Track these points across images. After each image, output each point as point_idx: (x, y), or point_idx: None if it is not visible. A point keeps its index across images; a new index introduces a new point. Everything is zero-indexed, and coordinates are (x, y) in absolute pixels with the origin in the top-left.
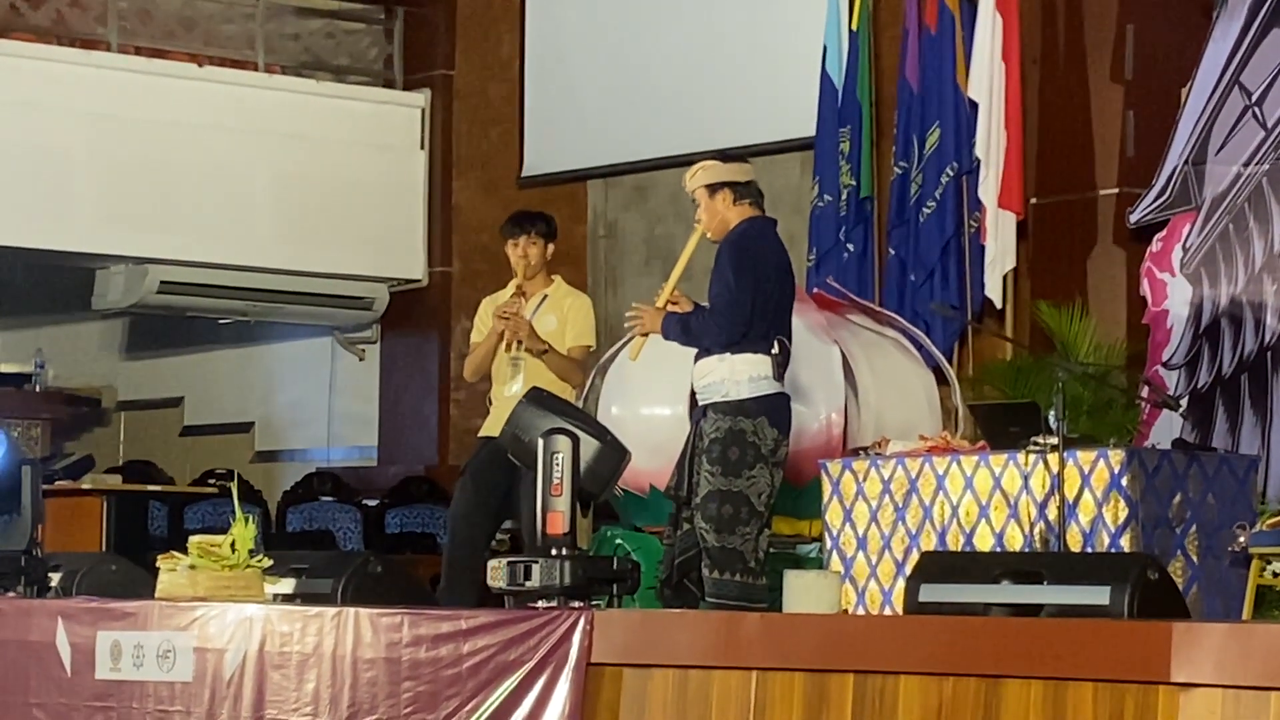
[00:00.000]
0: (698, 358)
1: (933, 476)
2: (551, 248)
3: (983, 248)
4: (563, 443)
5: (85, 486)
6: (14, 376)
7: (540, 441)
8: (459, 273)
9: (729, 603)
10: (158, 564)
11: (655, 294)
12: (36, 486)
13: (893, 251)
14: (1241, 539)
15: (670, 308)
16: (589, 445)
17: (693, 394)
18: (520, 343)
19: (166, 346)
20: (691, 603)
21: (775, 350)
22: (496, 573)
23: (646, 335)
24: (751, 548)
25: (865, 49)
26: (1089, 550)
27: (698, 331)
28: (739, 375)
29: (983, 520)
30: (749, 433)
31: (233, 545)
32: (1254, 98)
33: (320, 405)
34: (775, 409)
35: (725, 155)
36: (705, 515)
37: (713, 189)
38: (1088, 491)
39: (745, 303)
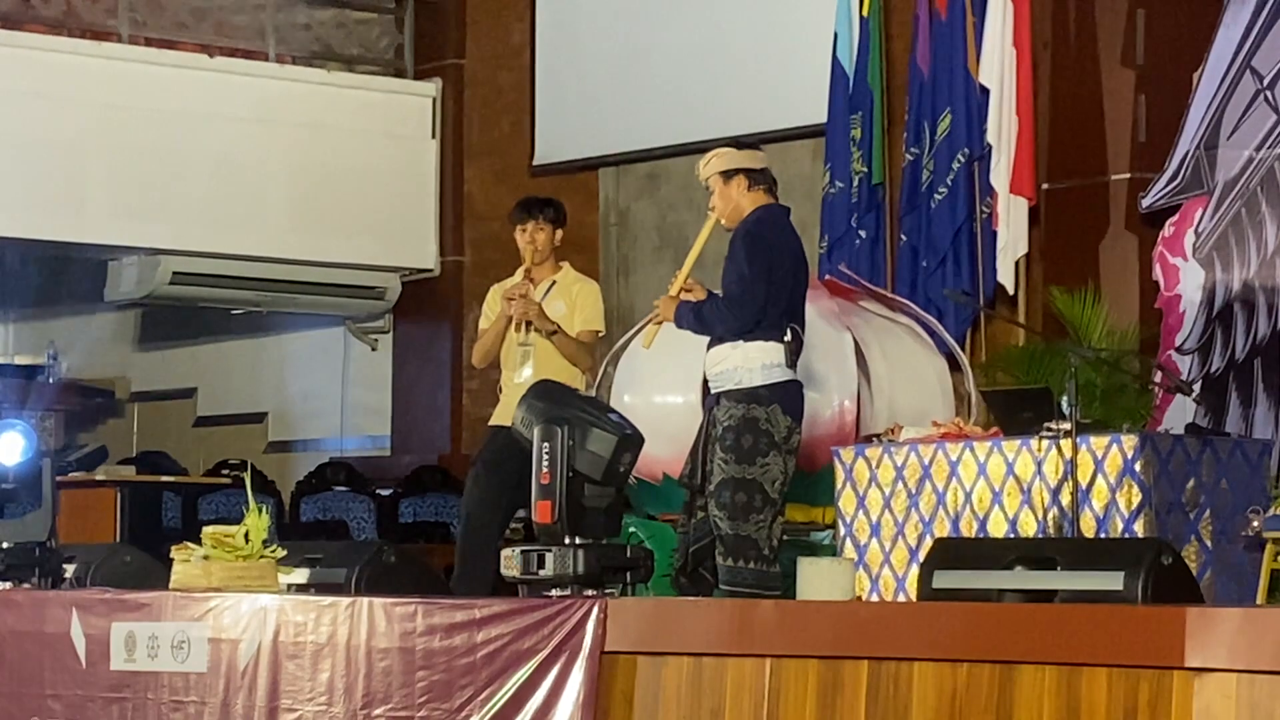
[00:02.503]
0: (710, 345)
1: (946, 463)
2: (560, 233)
3: (995, 234)
4: (550, 432)
5: (99, 478)
6: (27, 368)
7: (534, 432)
8: (471, 262)
9: (743, 590)
10: (172, 555)
11: (669, 282)
12: (51, 479)
13: (905, 238)
14: (1255, 523)
15: (684, 295)
16: (586, 432)
17: (705, 382)
18: (529, 324)
19: (179, 337)
20: (706, 591)
21: (788, 338)
22: (510, 562)
23: (660, 323)
24: (765, 535)
25: (876, 36)
26: (1103, 536)
27: (711, 319)
28: (752, 363)
29: (996, 506)
30: (762, 420)
31: (246, 536)
32: (1266, 81)
33: (333, 395)
34: (788, 396)
35: (739, 143)
36: (719, 503)
37: (727, 176)
38: (1101, 477)
39: (759, 291)
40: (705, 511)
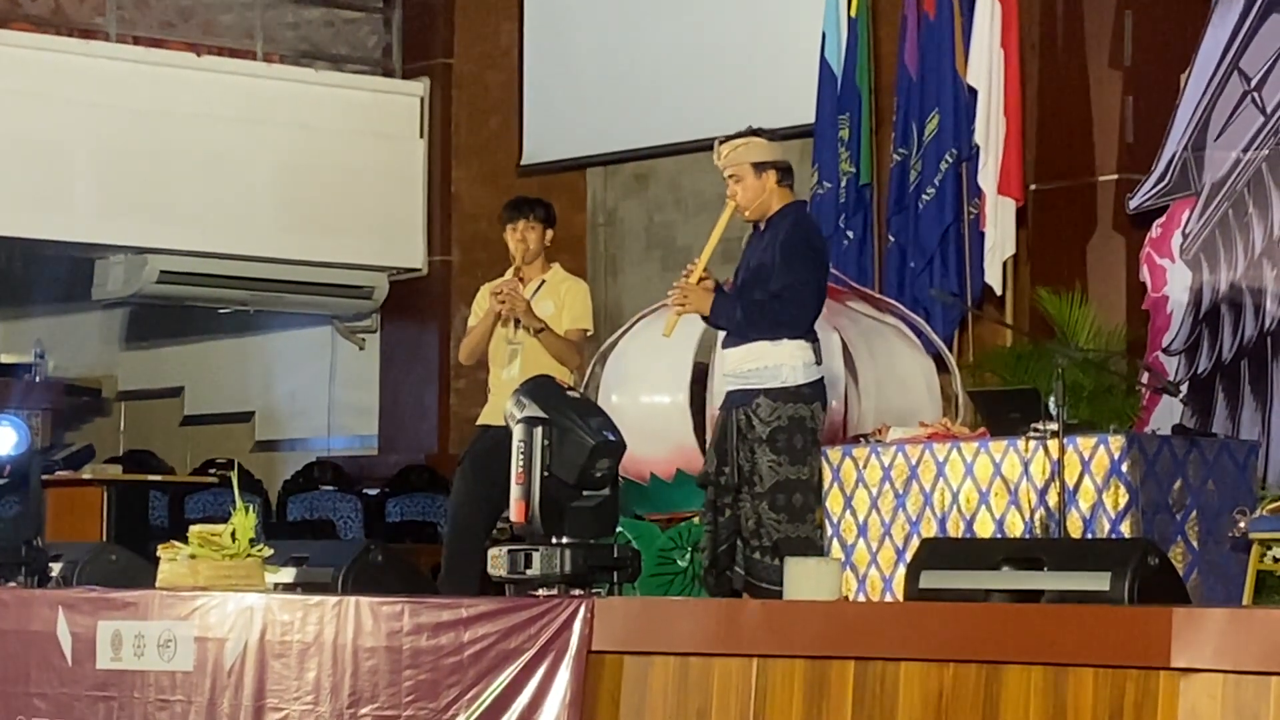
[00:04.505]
0: (735, 342)
1: (933, 463)
2: (550, 233)
3: (982, 234)
4: (528, 432)
5: (85, 476)
6: (14, 367)
7: (515, 429)
8: (459, 261)
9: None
10: (158, 553)
11: (688, 269)
12: (38, 477)
13: (892, 239)
14: (1242, 524)
15: (700, 284)
16: (564, 435)
17: (700, 376)
18: (518, 322)
19: (166, 336)
20: (731, 592)
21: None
22: (497, 561)
23: (681, 313)
24: (818, 534)
25: (864, 36)
26: (1089, 536)
27: (760, 319)
28: (795, 360)
29: (983, 507)
30: (808, 419)
31: (233, 534)
32: (1253, 83)
33: (320, 394)
34: (824, 393)
35: (766, 132)
36: (774, 505)
37: (760, 168)
38: (1088, 478)
39: (814, 298)
40: (733, 510)
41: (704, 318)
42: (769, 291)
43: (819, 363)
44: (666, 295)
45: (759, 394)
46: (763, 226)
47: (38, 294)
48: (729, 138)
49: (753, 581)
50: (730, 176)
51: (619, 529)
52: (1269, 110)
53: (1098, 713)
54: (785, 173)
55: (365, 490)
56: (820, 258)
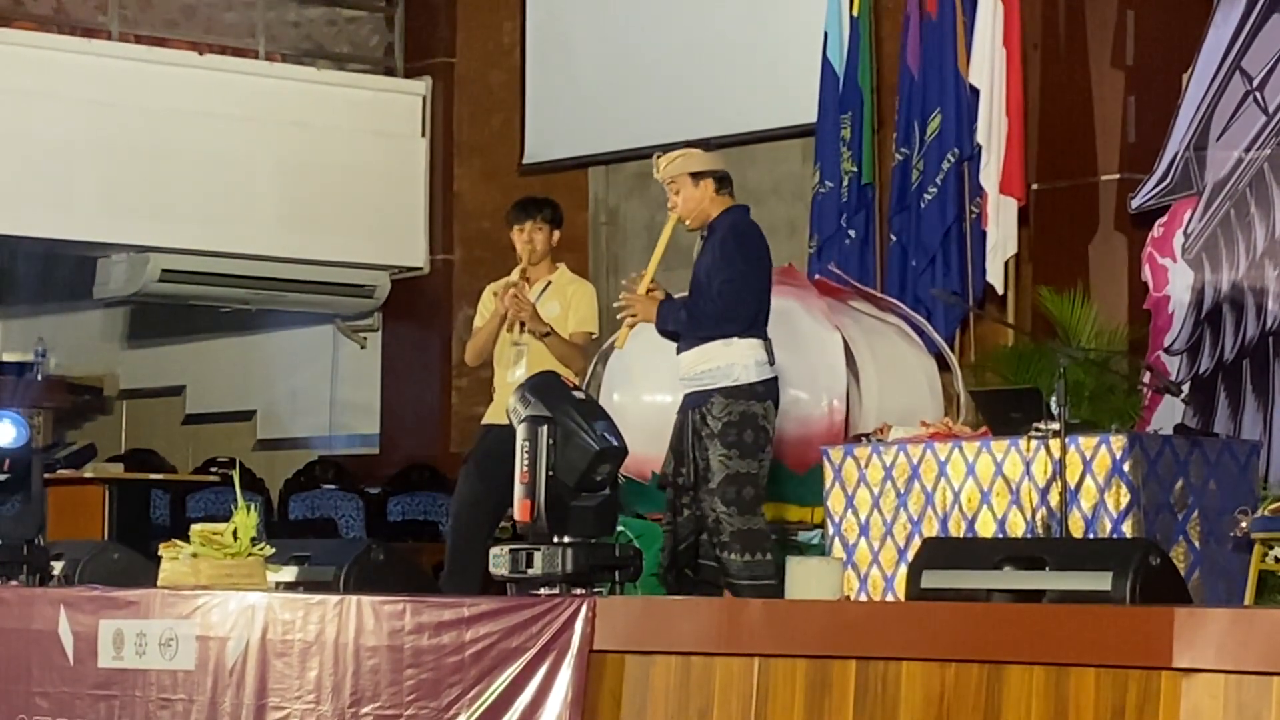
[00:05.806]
0: (689, 345)
1: (935, 463)
2: (557, 234)
3: (984, 234)
4: (533, 431)
5: (87, 475)
6: (16, 365)
7: (519, 427)
8: (460, 260)
9: (763, 583)
10: (160, 552)
11: (633, 280)
12: (39, 475)
13: (894, 238)
14: (1243, 524)
15: (649, 294)
16: (568, 438)
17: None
18: (523, 325)
19: (168, 335)
20: (691, 589)
21: (770, 335)
22: (499, 560)
23: (633, 325)
24: (767, 527)
25: (866, 35)
26: (1091, 536)
27: (703, 320)
28: (745, 359)
29: (985, 506)
30: (760, 416)
31: (235, 533)
32: (1255, 83)
33: (322, 393)
34: (776, 393)
35: (702, 143)
36: (726, 499)
37: (697, 177)
38: (1090, 477)
39: (752, 292)
40: (690, 509)
41: (659, 327)
42: (709, 291)
43: (771, 362)
44: (614, 308)
45: (713, 393)
46: (705, 234)
47: (39, 292)
48: (666, 150)
49: (730, 581)
50: (671, 188)
51: (620, 528)
52: (1271, 110)
53: (1099, 713)
54: (723, 181)
55: (367, 489)
56: (756, 254)
